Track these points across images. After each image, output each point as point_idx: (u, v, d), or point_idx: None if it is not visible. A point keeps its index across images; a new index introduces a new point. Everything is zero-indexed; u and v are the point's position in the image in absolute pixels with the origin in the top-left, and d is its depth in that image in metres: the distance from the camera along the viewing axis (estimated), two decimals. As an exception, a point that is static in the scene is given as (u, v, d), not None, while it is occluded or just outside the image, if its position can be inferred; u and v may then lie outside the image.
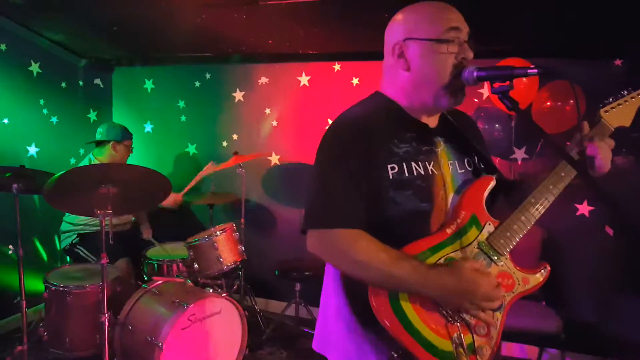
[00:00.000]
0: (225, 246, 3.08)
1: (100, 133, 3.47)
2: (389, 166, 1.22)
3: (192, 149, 4.34)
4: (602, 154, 1.26)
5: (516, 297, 1.26)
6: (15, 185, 2.49)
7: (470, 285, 1.13)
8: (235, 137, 4.18)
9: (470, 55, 1.24)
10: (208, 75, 4.23)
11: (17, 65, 3.58)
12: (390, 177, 1.21)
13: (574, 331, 2.97)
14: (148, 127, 4.46)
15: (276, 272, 3.59)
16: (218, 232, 3.07)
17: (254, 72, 4.08)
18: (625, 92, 1.32)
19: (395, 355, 1.18)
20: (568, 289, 3.27)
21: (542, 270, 1.30)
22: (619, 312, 3.15)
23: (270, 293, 4.13)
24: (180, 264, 3.24)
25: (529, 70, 1.13)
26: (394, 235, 1.19)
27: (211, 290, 2.80)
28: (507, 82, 1.15)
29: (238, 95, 4.15)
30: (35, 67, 3.70)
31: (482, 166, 1.39)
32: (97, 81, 4.39)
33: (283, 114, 4.03)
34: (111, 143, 3.43)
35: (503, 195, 1.42)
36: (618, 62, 3.13)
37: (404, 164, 1.23)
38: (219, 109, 4.22)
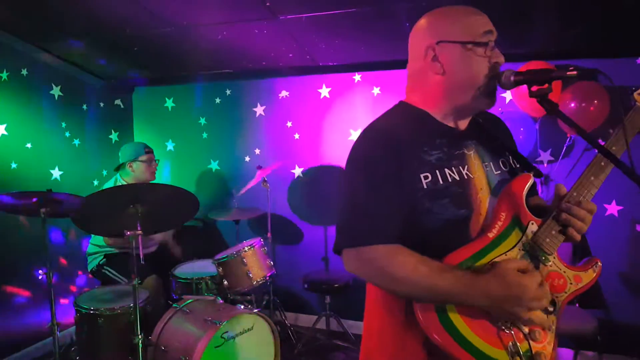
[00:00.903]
0: (254, 261, 3.04)
1: (119, 157, 3.50)
2: (421, 176, 1.18)
3: (214, 166, 4.33)
4: None
5: (570, 296, 1.21)
6: (43, 210, 2.48)
7: (516, 289, 1.08)
8: (257, 151, 4.16)
9: (502, 59, 1.22)
10: (228, 91, 4.23)
11: (39, 89, 3.62)
12: (425, 186, 1.17)
13: (610, 332, 2.91)
14: (170, 146, 4.47)
15: (305, 286, 3.53)
16: (246, 248, 3.03)
17: (274, 86, 4.08)
18: None
19: None
20: (602, 290, 3.21)
21: (594, 266, 1.25)
22: None
23: (299, 307, 4.07)
24: (209, 281, 3.19)
25: (567, 73, 1.11)
26: (434, 247, 1.15)
27: (242, 307, 2.76)
28: (546, 85, 1.13)
29: (259, 109, 4.14)
30: (56, 91, 3.73)
31: (519, 165, 1.35)
32: (118, 102, 4.42)
33: (304, 127, 4.00)
34: (127, 164, 3.44)
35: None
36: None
37: (437, 171, 1.20)
38: (241, 125, 4.21)
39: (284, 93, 4.05)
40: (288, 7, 2.80)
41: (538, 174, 1.30)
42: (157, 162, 3.55)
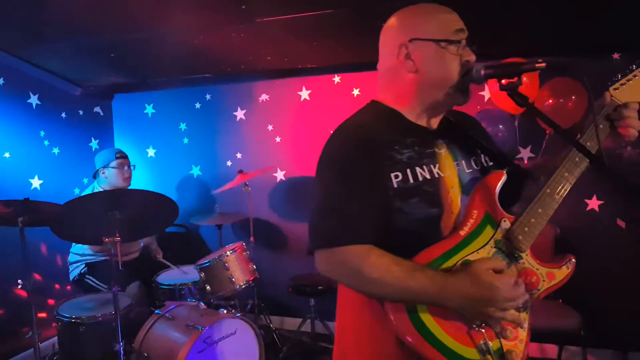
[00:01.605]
0: (236, 266, 3.03)
1: (95, 164, 3.49)
2: (392, 175, 1.17)
3: (196, 171, 4.31)
4: (631, 122, 1.19)
5: (543, 293, 1.20)
6: (20, 218, 2.46)
7: (489, 289, 1.07)
8: (239, 155, 4.16)
9: (473, 57, 1.22)
10: (208, 96, 4.23)
11: (16, 98, 3.58)
12: (395, 185, 1.16)
13: (593, 327, 2.92)
14: (151, 152, 4.44)
15: (289, 289, 3.53)
16: (228, 252, 3.02)
17: (254, 89, 4.08)
18: (634, 66, 1.23)
19: None
20: (585, 285, 3.21)
21: (568, 263, 1.24)
22: (637, 304, 3.09)
23: (284, 310, 4.06)
24: (192, 287, 3.18)
25: (536, 65, 1.11)
26: (407, 246, 1.14)
27: (225, 311, 2.75)
28: (515, 78, 1.13)
29: (239, 113, 4.14)
30: (34, 99, 3.70)
31: (491, 163, 1.35)
32: (97, 109, 4.39)
33: (286, 130, 4.01)
34: (100, 171, 3.42)
35: (520, 189, 1.38)
36: (616, 55, 3.13)
37: (408, 170, 1.19)
38: (221, 129, 4.20)
39: (264, 96, 4.05)
40: (264, 10, 2.79)
41: (513, 170, 1.28)
42: (132, 167, 3.53)
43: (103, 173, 3.40)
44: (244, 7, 2.72)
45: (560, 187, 1.18)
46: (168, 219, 2.67)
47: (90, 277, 3.27)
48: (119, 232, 2.39)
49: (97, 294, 3.14)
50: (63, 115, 3.98)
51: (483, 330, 1.11)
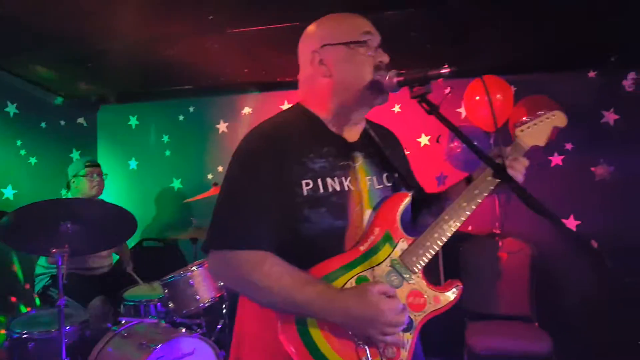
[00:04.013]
0: (201, 282, 2.92)
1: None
2: (303, 182, 1.17)
3: (177, 184, 4.24)
4: (516, 171, 1.26)
5: (428, 316, 1.22)
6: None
7: (373, 311, 1.08)
8: (220, 169, 4.09)
9: (386, 59, 1.25)
10: (192, 109, 4.19)
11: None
12: (305, 193, 1.16)
13: (565, 351, 2.80)
14: (133, 164, 4.38)
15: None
16: (194, 268, 2.92)
17: (236, 102, 4.04)
18: (542, 112, 1.35)
19: None
20: (559, 306, 3.18)
21: (454, 289, 1.25)
22: (609, 327, 2.97)
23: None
24: (159, 304, 3.07)
25: (441, 71, 1.12)
26: (310, 255, 1.14)
27: (184, 330, 2.63)
28: (425, 86, 1.15)
29: (222, 126, 4.08)
30: (12, 108, 3.67)
31: (402, 182, 1.36)
32: (81, 120, 4.36)
33: (267, 143, 3.92)
34: (70, 181, 3.36)
35: (426, 211, 1.42)
36: (592, 74, 3.13)
37: (319, 180, 1.19)
38: (204, 142, 4.15)
39: (246, 109, 4.00)
40: (234, 21, 2.76)
41: (419, 193, 1.37)
42: (104, 176, 3.45)
43: (73, 182, 3.34)
44: (211, 17, 2.67)
45: (456, 216, 1.22)
46: (125, 233, 2.58)
47: (54, 290, 3.17)
48: (69, 244, 2.30)
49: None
50: (43, 125, 3.95)
51: (366, 348, 1.12)
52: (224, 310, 3.45)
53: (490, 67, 3.00)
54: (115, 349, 2.56)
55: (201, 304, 2.87)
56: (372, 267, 1.17)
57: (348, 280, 1.14)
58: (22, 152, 3.74)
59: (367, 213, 1.24)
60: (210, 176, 4.11)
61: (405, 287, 1.20)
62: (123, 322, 2.78)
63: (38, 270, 3.28)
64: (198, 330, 2.98)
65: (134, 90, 4.10)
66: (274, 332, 1.14)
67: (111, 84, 3.97)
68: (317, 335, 1.11)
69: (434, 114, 1.13)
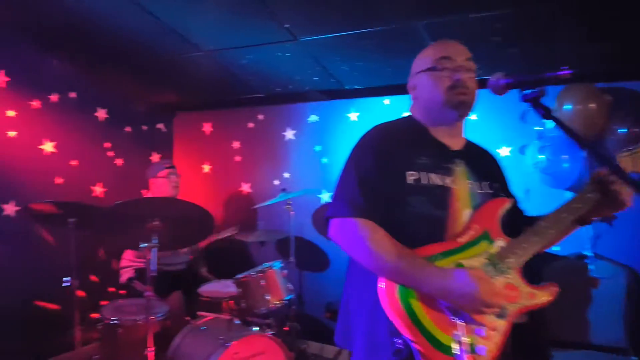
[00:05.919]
0: (271, 283, 3.05)
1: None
2: (408, 172, 1.35)
3: (245, 188, 4.43)
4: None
5: (522, 309, 1.29)
6: (71, 220, 2.64)
7: (471, 289, 1.19)
8: (286, 175, 4.23)
9: (464, 76, 1.40)
10: (261, 116, 4.36)
11: (86, 112, 3.89)
12: (409, 182, 1.34)
13: None
14: (206, 168, 4.63)
15: (327, 314, 3.46)
16: (264, 269, 3.05)
17: (303, 110, 4.16)
18: None
19: (400, 343, 1.24)
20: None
21: (550, 290, 1.33)
22: None
23: (325, 337, 3.94)
24: (231, 302, 3.22)
25: (559, 73, 1.11)
26: (409, 237, 1.29)
27: (256, 329, 2.76)
28: (540, 89, 1.14)
29: (289, 134, 4.23)
30: (102, 113, 4.00)
31: (502, 193, 1.50)
32: (160, 125, 4.66)
33: (333, 151, 4.03)
34: (149, 181, 3.66)
35: (520, 223, 1.46)
36: None
37: (424, 172, 1.36)
38: (271, 148, 4.31)
39: (313, 117, 4.12)
40: (307, 29, 2.85)
41: (519, 209, 1.48)
42: (178, 177, 3.70)
43: (153, 183, 3.60)
44: (287, 25, 2.79)
45: (555, 224, 1.30)
46: (204, 231, 2.75)
47: (138, 282, 3.41)
48: (157, 238, 2.49)
49: (141, 299, 3.26)
50: (127, 129, 4.26)
51: (461, 323, 1.21)
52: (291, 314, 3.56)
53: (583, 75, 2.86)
54: (194, 341, 2.74)
55: (271, 305, 2.99)
56: (470, 258, 1.28)
57: (447, 265, 1.26)
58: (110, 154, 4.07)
59: (466, 211, 1.36)
60: (276, 182, 4.25)
61: (501, 279, 1.28)
62: (200, 316, 2.96)
63: (123, 262, 3.55)
64: (269, 330, 3.11)
65: (208, 98, 4.33)
66: (377, 296, 1.28)
67: (187, 93, 4.21)
68: (416, 304, 1.22)
69: (550, 117, 1.12)
